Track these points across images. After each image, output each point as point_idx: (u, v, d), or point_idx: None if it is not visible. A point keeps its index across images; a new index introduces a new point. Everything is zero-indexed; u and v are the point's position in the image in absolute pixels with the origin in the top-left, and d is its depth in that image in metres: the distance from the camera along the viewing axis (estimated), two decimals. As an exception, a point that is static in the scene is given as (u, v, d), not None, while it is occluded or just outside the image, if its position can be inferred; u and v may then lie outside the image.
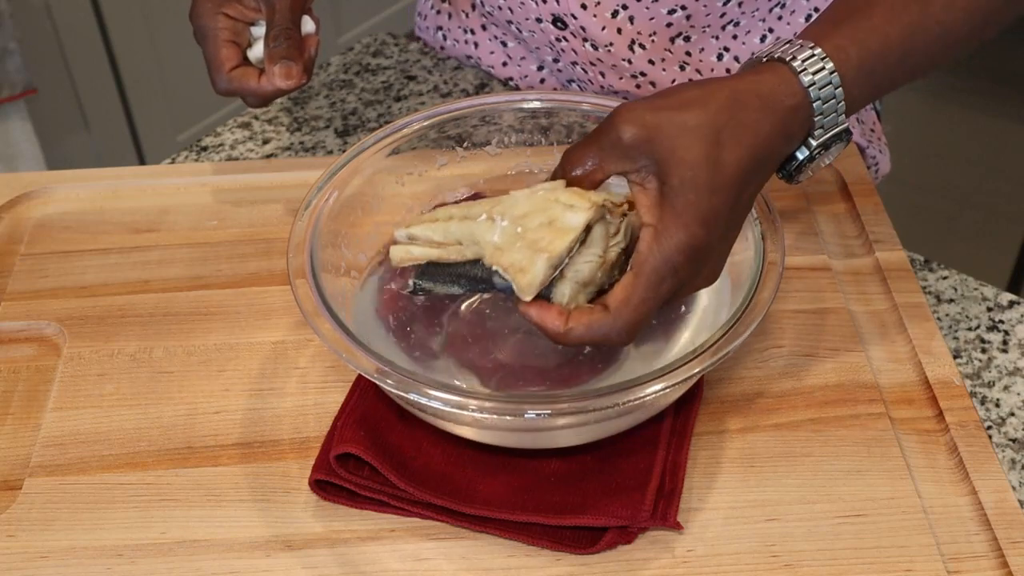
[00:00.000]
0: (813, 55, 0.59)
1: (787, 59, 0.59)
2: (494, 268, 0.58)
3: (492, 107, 0.73)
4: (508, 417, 0.58)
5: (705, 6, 0.86)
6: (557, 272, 0.57)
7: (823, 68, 0.58)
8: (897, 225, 0.81)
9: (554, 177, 0.60)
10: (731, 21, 0.88)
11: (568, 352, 0.67)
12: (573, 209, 0.56)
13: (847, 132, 0.61)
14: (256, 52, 0.77)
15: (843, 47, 0.60)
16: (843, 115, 0.60)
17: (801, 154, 0.61)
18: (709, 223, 0.55)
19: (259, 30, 0.77)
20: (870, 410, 0.68)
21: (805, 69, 0.58)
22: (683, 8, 0.86)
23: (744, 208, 0.59)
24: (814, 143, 0.60)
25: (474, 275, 0.60)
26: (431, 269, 0.61)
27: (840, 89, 0.59)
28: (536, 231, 0.57)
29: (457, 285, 0.61)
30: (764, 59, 0.60)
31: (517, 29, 0.95)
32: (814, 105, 0.59)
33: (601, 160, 0.57)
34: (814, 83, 0.58)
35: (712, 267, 0.59)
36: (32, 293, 0.79)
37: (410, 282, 0.62)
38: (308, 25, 0.77)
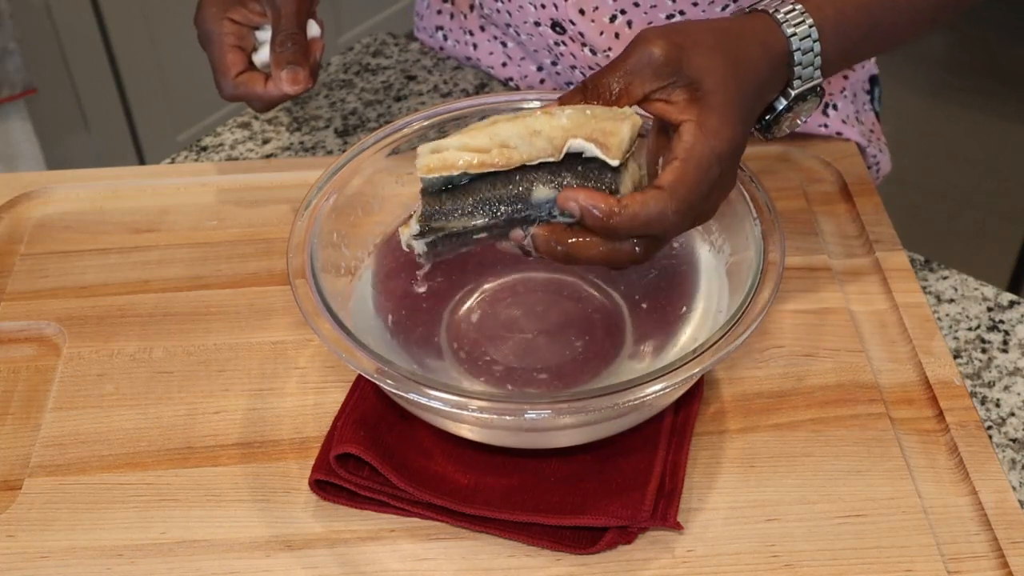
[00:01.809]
0: (795, 10, 0.62)
1: (770, 11, 0.62)
2: (569, 146, 0.55)
3: (492, 107, 0.73)
4: (508, 417, 0.58)
5: (703, 12, 0.86)
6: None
7: (803, 22, 0.62)
8: (897, 225, 0.81)
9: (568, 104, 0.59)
10: None
11: (568, 352, 0.67)
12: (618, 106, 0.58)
13: (820, 88, 0.64)
14: (262, 56, 0.77)
15: (822, 7, 0.63)
16: (819, 70, 0.63)
17: (779, 104, 0.64)
18: (744, 120, 0.59)
19: (264, 34, 0.77)
20: (870, 410, 0.68)
21: (787, 20, 0.62)
22: (681, 13, 0.86)
23: (745, 139, 0.60)
24: (792, 92, 0.63)
25: (507, 195, 0.57)
26: (442, 205, 0.57)
27: (818, 43, 0.62)
28: (603, 113, 0.57)
29: (480, 213, 0.57)
30: (747, 9, 0.64)
31: (516, 32, 0.95)
32: (794, 55, 0.62)
33: (628, 83, 0.59)
34: (795, 34, 0.62)
35: (733, 177, 0.61)
36: (32, 293, 0.79)
37: (414, 224, 0.59)
38: (313, 29, 0.77)
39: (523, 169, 0.57)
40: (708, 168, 0.57)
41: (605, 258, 0.57)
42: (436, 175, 0.57)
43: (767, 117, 0.64)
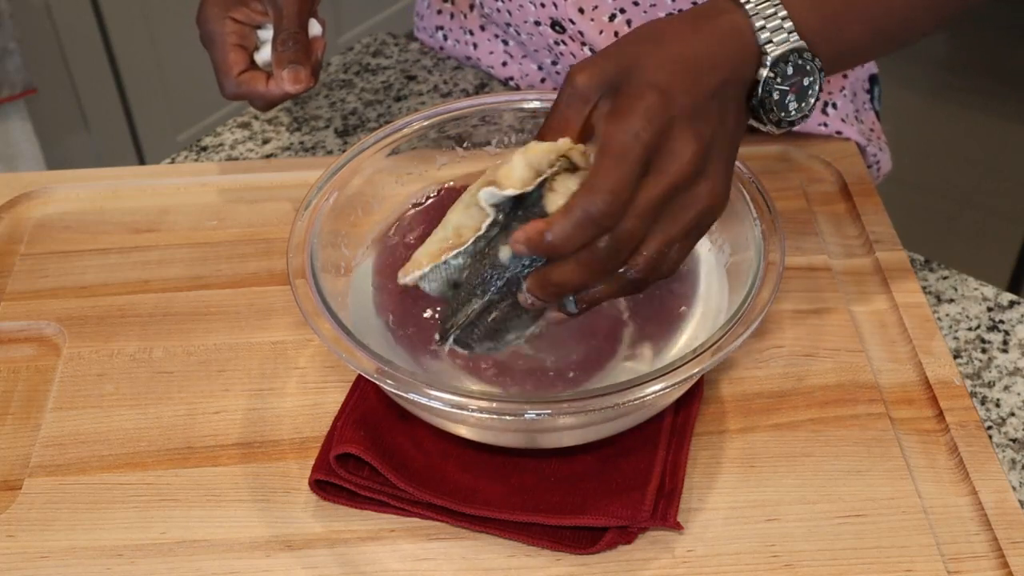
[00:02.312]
0: None
1: None
2: (483, 201, 0.57)
3: (492, 107, 0.73)
4: (508, 417, 0.58)
5: None
6: (541, 182, 0.56)
7: None
8: (897, 225, 0.81)
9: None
10: None
11: (568, 352, 0.67)
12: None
13: (809, 55, 0.61)
14: (263, 56, 0.77)
15: None
16: (794, 34, 0.61)
17: (761, 74, 0.61)
18: (664, 90, 0.56)
19: (266, 33, 0.77)
20: (870, 410, 0.68)
21: None
22: (680, 12, 0.86)
23: (712, 104, 0.58)
24: (769, 57, 0.60)
25: (483, 270, 0.59)
26: (446, 308, 0.61)
27: (781, 7, 0.60)
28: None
29: (473, 296, 0.60)
30: None
31: (516, 32, 0.95)
32: (752, 19, 0.60)
33: (567, 119, 0.58)
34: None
35: (689, 140, 0.57)
36: (32, 293, 0.79)
37: (436, 335, 0.62)
38: (315, 28, 0.77)
39: (484, 240, 0.59)
40: (625, 148, 0.55)
41: (585, 274, 0.56)
42: (409, 276, 0.60)
43: (756, 93, 0.61)
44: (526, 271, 0.58)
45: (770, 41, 0.60)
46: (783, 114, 0.62)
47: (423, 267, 0.59)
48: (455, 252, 0.59)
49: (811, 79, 0.62)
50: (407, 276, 0.60)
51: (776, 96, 0.61)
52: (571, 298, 0.58)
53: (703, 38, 0.59)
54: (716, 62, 0.59)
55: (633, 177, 0.55)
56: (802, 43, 0.61)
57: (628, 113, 0.55)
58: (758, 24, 0.60)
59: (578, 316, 0.60)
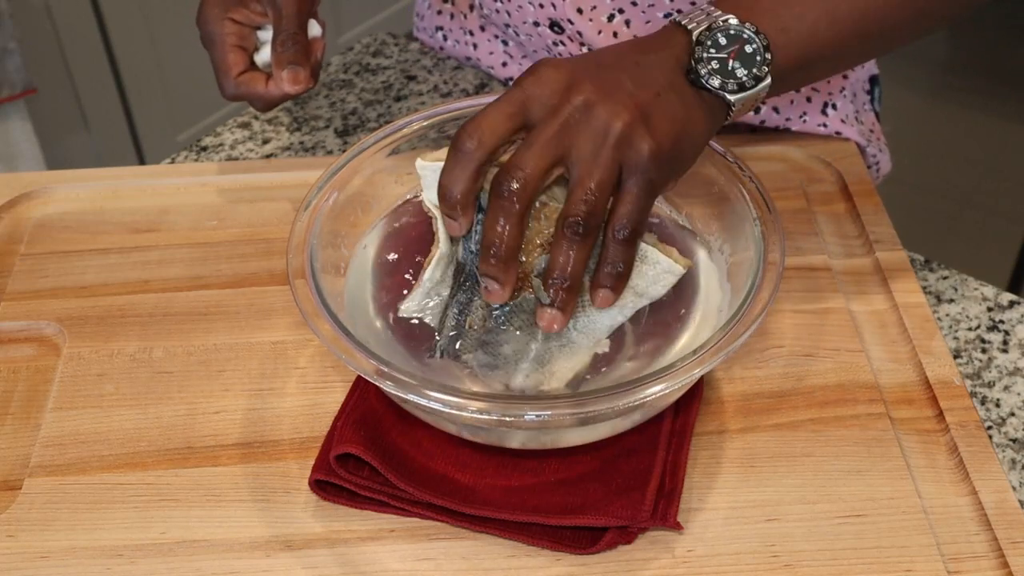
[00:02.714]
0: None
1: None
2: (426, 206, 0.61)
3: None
4: (508, 418, 0.58)
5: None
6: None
7: None
8: (897, 225, 0.81)
9: None
10: None
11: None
12: None
13: (735, 21, 0.62)
14: (263, 56, 0.77)
15: None
16: (718, 12, 0.63)
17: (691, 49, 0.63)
18: (557, 63, 0.59)
19: (266, 34, 0.77)
20: (870, 410, 0.68)
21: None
22: (679, 12, 0.86)
23: (613, 62, 0.60)
24: (694, 34, 0.62)
25: (451, 272, 0.61)
26: (440, 321, 0.63)
27: (711, 7, 0.63)
28: None
29: (457, 299, 0.61)
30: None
31: (515, 32, 0.95)
32: (681, 20, 0.63)
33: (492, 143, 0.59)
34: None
35: (622, 103, 0.58)
36: (32, 293, 0.79)
37: (438, 349, 0.63)
38: (314, 29, 0.77)
39: (449, 256, 0.62)
40: (501, 95, 0.58)
41: (502, 217, 0.57)
42: (411, 311, 0.64)
43: (692, 67, 0.62)
44: (476, 250, 0.60)
45: (696, 25, 0.63)
46: (731, 80, 0.62)
47: (414, 291, 0.63)
48: (430, 269, 0.61)
49: (753, 46, 0.63)
50: (403, 307, 0.63)
51: (716, 65, 0.62)
52: (543, 290, 0.59)
53: (628, 43, 0.62)
54: (632, 50, 0.62)
55: (503, 111, 0.57)
56: (729, 16, 0.63)
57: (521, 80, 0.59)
58: (684, 20, 0.63)
59: (560, 308, 0.58)
